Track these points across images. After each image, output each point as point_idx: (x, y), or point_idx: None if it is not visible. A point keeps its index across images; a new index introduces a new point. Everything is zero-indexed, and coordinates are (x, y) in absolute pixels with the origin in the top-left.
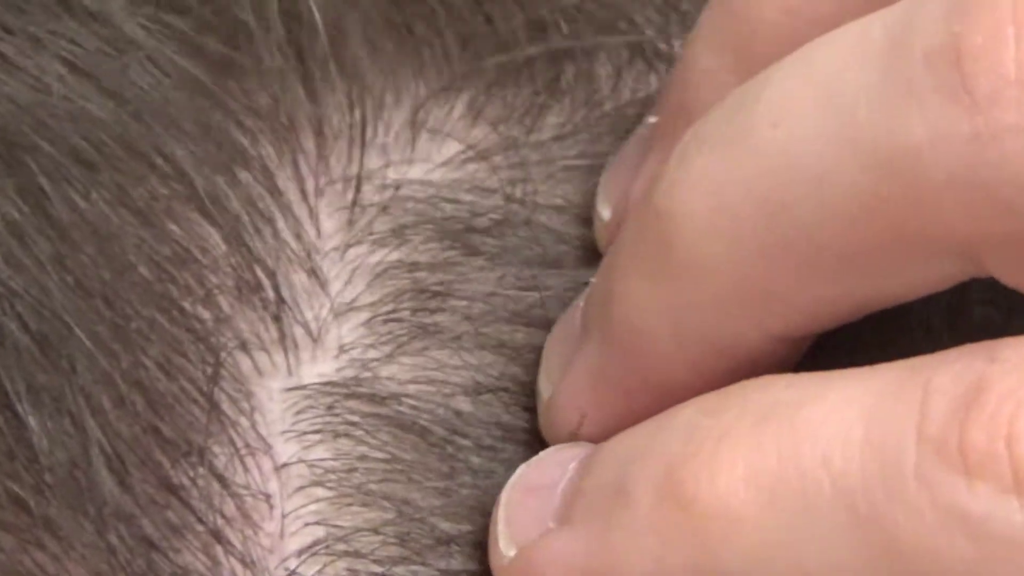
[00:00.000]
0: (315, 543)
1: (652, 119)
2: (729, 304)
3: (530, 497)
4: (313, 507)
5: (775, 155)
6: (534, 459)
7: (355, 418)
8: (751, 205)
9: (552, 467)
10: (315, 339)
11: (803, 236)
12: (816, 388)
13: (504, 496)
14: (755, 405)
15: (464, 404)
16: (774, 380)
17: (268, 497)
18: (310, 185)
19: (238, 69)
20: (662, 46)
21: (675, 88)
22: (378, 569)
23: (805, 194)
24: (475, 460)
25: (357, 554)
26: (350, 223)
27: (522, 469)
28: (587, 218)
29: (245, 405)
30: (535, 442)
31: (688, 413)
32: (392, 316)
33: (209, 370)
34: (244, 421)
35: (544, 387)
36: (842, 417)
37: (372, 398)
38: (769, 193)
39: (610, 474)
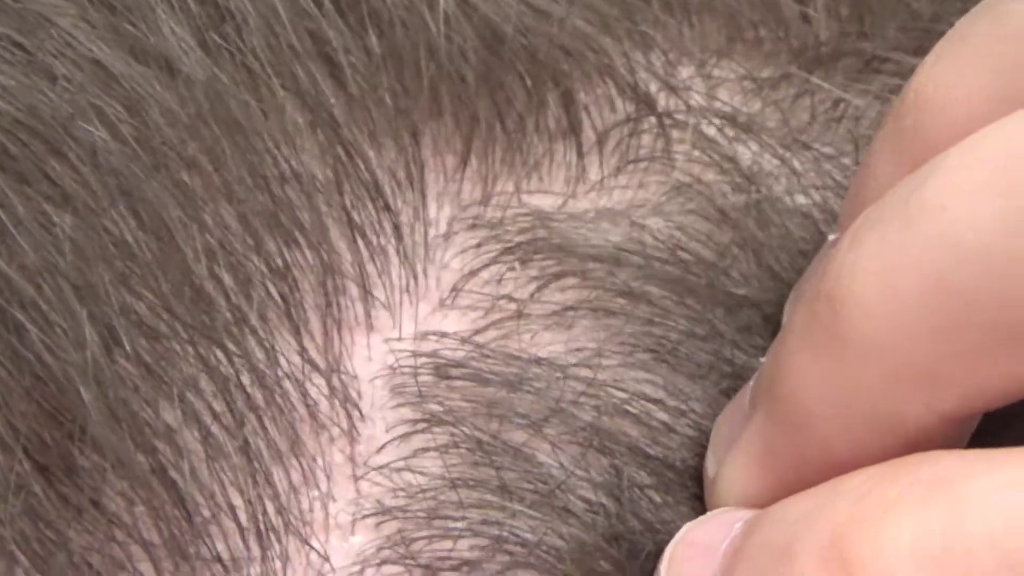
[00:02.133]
0: None
1: (831, 236)
2: (896, 384)
3: (694, 554)
4: None
5: (943, 236)
6: (701, 517)
7: None
8: (919, 286)
9: (718, 527)
10: None
11: (971, 316)
12: (986, 464)
13: (668, 551)
14: (925, 477)
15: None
16: (945, 454)
17: None
18: None
19: None
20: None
21: (852, 202)
22: None
23: (972, 274)
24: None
25: None
26: None
27: (688, 526)
28: None
29: None
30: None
31: (858, 480)
32: None
33: None
34: None
35: (711, 465)
36: (1012, 494)
37: None
38: (937, 274)
39: (775, 535)
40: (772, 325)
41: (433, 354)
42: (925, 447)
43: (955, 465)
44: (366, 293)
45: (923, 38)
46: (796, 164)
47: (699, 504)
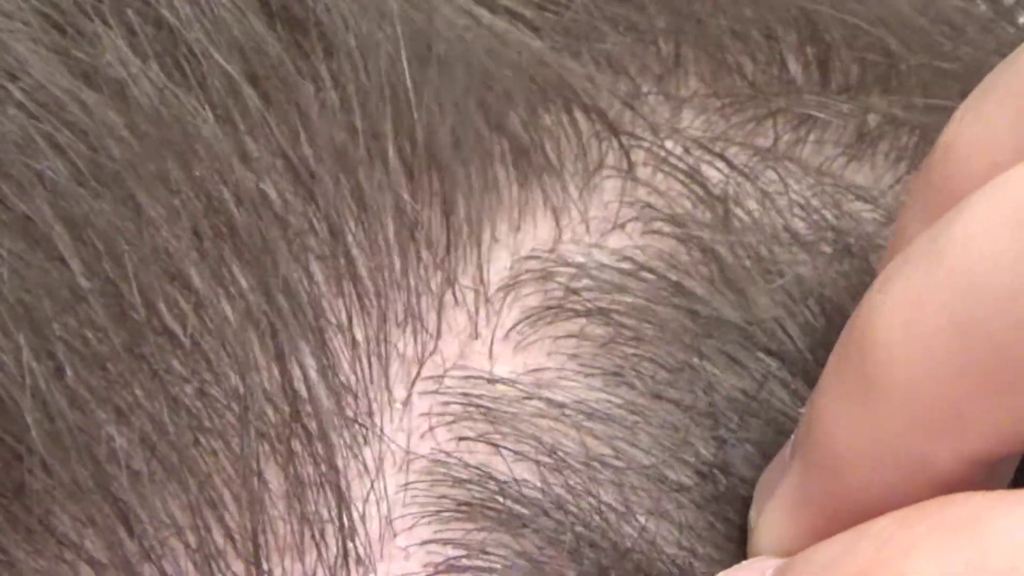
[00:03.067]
0: None
1: None
2: (924, 426)
3: None
4: None
5: (967, 275)
6: (733, 567)
7: None
8: (945, 325)
9: (749, 574)
10: None
11: (995, 355)
12: (1010, 504)
13: None
14: (948, 518)
15: None
16: (969, 495)
17: None
18: None
19: None
20: None
21: (886, 256)
22: None
23: (996, 312)
24: None
25: None
26: None
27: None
28: None
29: None
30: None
31: (883, 524)
32: None
33: None
34: None
35: (753, 516)
36: None
37: None
38: (962, 312)
39: None
40: (738, 341)
41: None
42: (959, 492)
43: (979, 505)
44: (317, 315)
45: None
46: (762, 184)
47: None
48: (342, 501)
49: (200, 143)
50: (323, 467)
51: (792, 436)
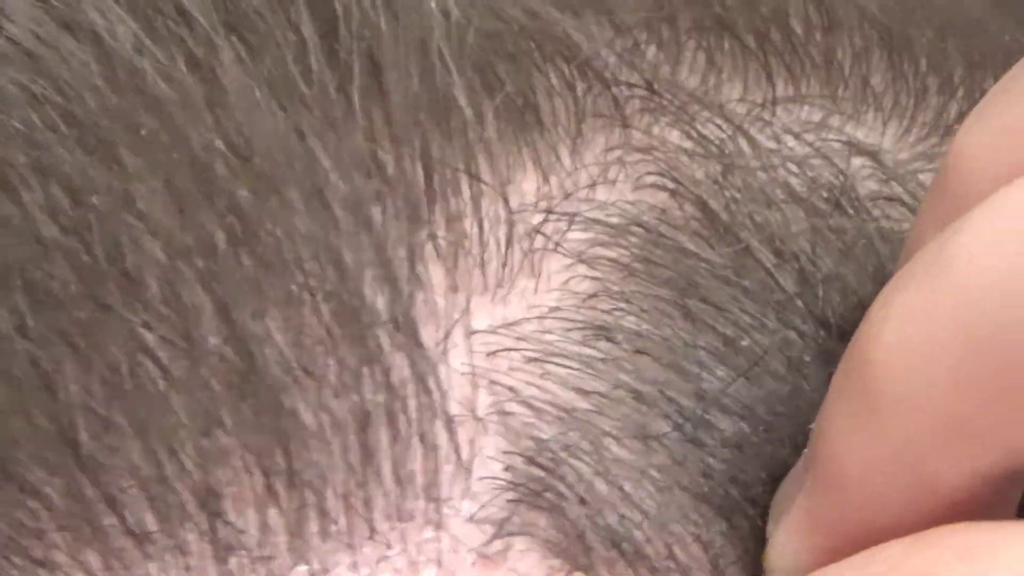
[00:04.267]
0: None
1: None
2: (928, 442)
3: None
4: None
5: (971, 287)
6: None
7: None
8: (947, 337)
9: None
10: None
11: (999, 367)
12: (1016, 534)
13: None
14: (953, 547)
15: None
16: (976, 524)
17: None
18: None
19: None
20: None
21: (903, 260)
22: None
23: (998, 324)
24: None
25: None
26: None
27: None
28: None
29: None
30: None
31: (890, 552)
32: None
33: None
34: None
35: (769, 529)
36: None
37: None
38: (964, 324)
39: None
40: (728, 293)
41: None
42: (968, 510)
43: (985, 535)
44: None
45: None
46: (760, 139)
47: None
48: (290, 457)
49: (176, 95)
50: (281, 420)
51: (806, 450)
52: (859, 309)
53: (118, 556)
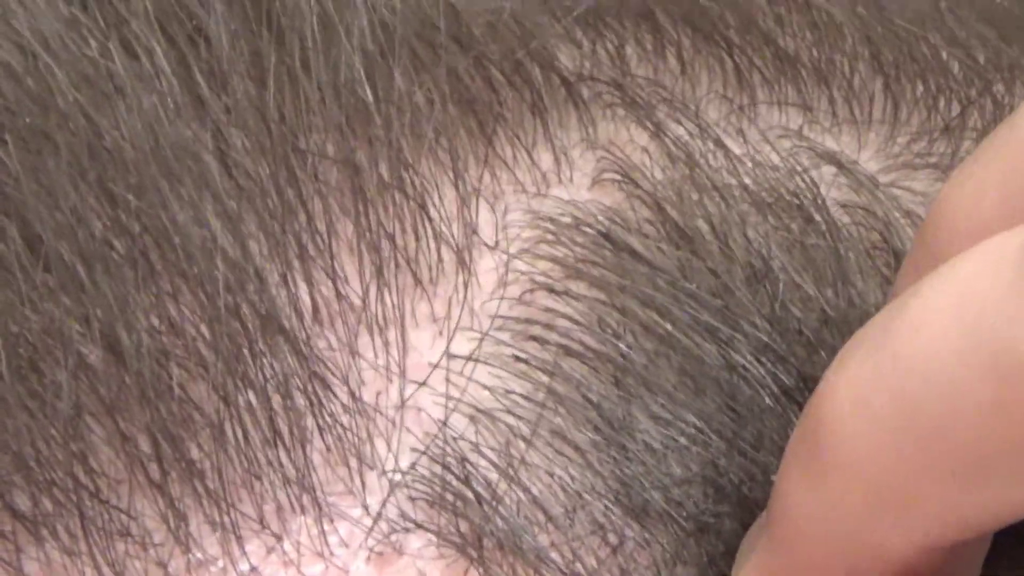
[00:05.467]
0: None
1: None
2: (873, 508)
3: None
4: None
5: (912, 359)
6: None
7: None
8: (889, 406)
9: None
10: None
11: (936, 439)
12: None
13: None
14: None
15: None
16: None
17: None
18: None
19: None
20: None
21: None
22: None
23: (937, 397)
24: None
25: None
26: None
27: None
28: None
29: None
30: None
31: None
32: None
33: None
34: None
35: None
36: None
37: None
38: (905, 395)
39: None
40: (672, 294)
41: None
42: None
43: None
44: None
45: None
46: (730, 142)
47: None
48: (180, 446)
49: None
50: (172, 408)
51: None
52: (818, 315)
53: (4, 539)
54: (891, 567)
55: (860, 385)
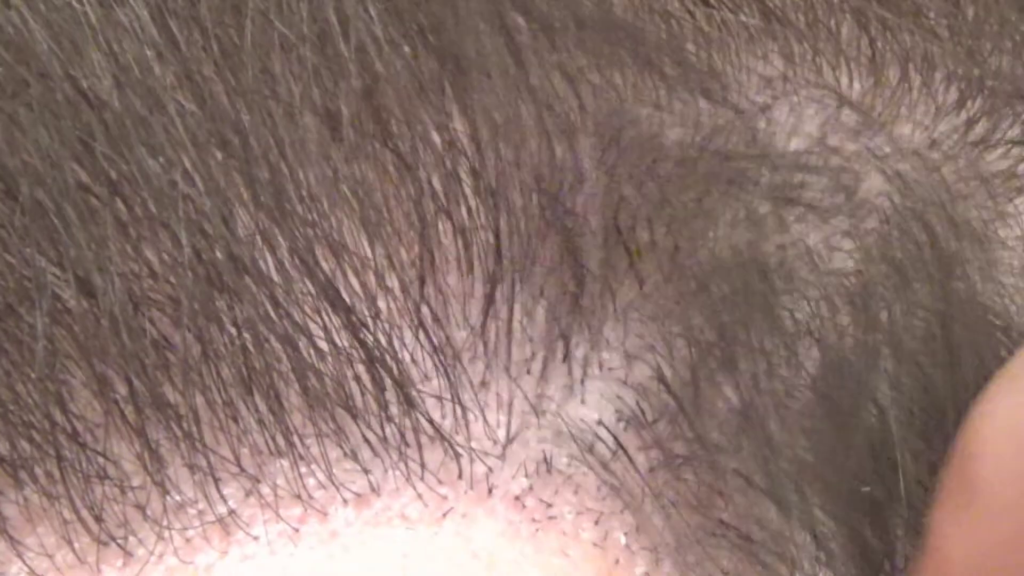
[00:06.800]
0: None
1: None
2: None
3: None
4: None
5: None
6: None
7: None
8: None
9: None
10: None
11: None
12: None
13: None
14: None
15: None
16: None
17: None
18: None
19: None
20: None
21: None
22: None
23: None
24: None
25: None
26: None
27: None
28: None
29: None
30: None
31: None
32: None
33: None
34: None
35: None
36: None
37: None
38: None
39: None
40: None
41: None
42: None
43: None
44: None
45: None
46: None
47: None
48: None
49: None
50: (149, 349)
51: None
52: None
53: None
54: None
55: (1015, 420)
